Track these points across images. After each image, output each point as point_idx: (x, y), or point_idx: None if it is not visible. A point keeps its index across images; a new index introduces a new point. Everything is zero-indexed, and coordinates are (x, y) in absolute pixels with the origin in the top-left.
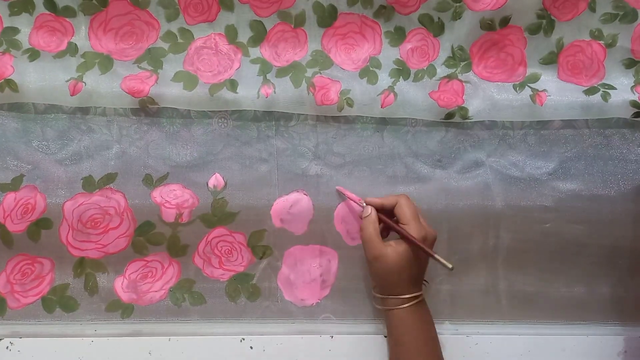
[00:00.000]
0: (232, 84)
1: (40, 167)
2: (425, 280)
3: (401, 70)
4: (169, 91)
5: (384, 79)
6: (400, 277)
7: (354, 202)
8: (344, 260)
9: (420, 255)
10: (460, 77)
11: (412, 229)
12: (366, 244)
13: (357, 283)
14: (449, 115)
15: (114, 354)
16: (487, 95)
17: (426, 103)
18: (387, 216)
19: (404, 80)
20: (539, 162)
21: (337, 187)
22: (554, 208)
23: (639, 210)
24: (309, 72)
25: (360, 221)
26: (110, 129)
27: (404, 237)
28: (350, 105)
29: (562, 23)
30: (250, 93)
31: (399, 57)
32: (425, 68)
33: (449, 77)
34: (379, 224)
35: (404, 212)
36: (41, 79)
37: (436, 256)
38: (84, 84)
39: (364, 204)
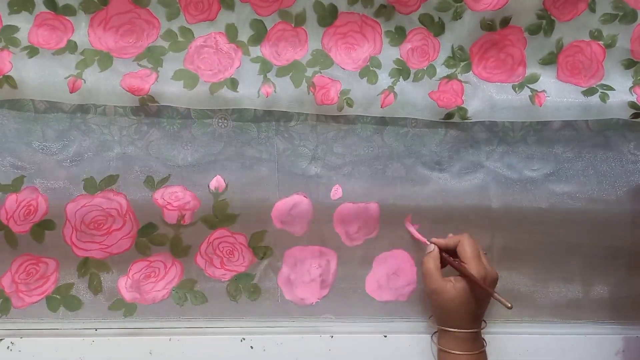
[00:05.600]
0: (233, 83)
1: (41, 168)
2: (484, 320)
3: (401, 70)
4: (169, 89)
5: (384, 79)
6: (458, 313)
7: (421, 241)
8: (343, 260)
9: (479, 294)
10: (459, 77)
11: (472, 268)
12: (426, 277)
13: (356, 283)
14: (449, 116)
15: (115, 353)
16: (486, 95)
17: (426, 103)
18: (451, 256)
19: (404, 80)
20: (538, 163)
21: (406, 223)
22: (552, 209)
23: (636, 211)
24: (309, 72)
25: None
26: (110, 129)
27: (463, 275)
28: (350, 105)
29: (562, 23)
30: (251, 92)
31: (399, 57)
32: (425, 68)
33: (449, 78)
34: (441, 261)
35: (465, 250)
36: (40, 75)
37: (495, 294)
38: (83, 81)
39: (429, 243)
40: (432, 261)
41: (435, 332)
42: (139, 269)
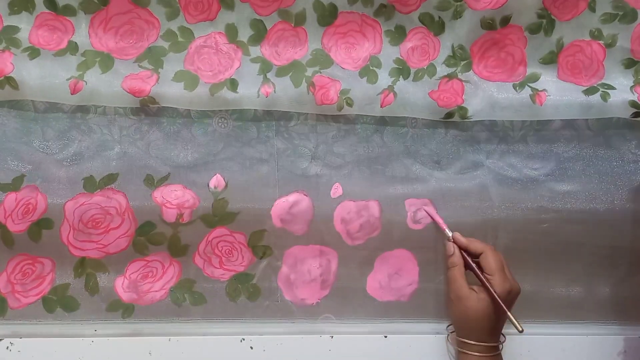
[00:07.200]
0: (233, 84)
1: (41, 167)
2: (502, 334)
3: (401, 70)
4: (170, 91)
5: (384, 78)
6: (479, 324)
7: (440, 226)
8: (343, 260)
9: (500, 308)
10: (460, 76)
11: (497, 282)
12: (451, 284)
13: (357, 283)
14: (449, 115)
15: (114, 354)
16: (486, 94)
17: (426, 103)
18: (471, 258)
19: (404, 79)
20: (538, 162)
21: (424, 208)
22: (553, 208)
23: (637, 211)
24: (309, 72)
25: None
26: (110, 129)
27: (485, 287)
28: (350, 104)
29: (562, 23)
30: (251, 92)
31: (399, 56)
32: (425, 67)
33: (449, 77)
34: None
35: (490, 263)
36: (41, 76)
37: (510, 315)
38: (84, 82)
39: (450, 234)
40: (457, 268)
41: (450, 333)
42: (136, 269)
